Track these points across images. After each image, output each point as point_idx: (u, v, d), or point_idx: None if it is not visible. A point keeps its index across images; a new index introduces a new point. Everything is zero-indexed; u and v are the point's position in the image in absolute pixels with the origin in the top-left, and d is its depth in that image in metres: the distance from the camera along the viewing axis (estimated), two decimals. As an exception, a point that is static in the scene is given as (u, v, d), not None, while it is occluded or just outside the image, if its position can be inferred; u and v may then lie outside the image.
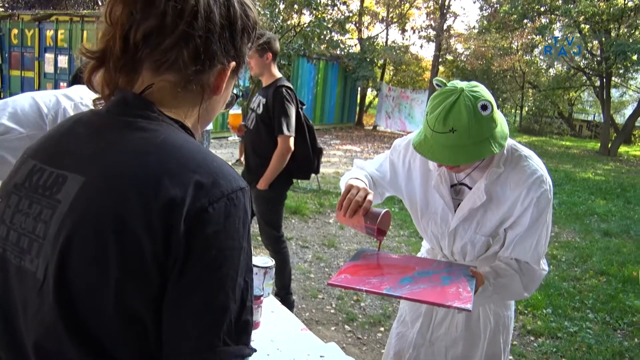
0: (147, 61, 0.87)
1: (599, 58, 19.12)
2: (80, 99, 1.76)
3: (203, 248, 0.80)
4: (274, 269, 2.11)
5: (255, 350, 0.87)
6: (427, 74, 26.22)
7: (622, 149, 21.01)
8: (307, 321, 4.03)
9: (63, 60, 11.84)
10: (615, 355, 3.91)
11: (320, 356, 1.78)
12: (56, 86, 11.79)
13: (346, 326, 4.04)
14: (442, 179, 1.78)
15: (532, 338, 4.08)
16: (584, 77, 22.36)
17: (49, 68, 12.19)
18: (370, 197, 1.64)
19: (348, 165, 12.10)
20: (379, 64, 23.76)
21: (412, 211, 1.93)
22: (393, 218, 6.91)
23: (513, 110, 29.21)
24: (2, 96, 12.50)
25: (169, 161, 0.82)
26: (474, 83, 1.61)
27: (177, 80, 0.90)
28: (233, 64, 0.94)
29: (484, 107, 1.54)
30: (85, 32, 11.31)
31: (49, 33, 12.05)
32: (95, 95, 1.79)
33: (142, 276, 0.79)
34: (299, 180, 9.32)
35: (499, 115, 1.63)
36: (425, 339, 1.94)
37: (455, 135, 1.53)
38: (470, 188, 1.76)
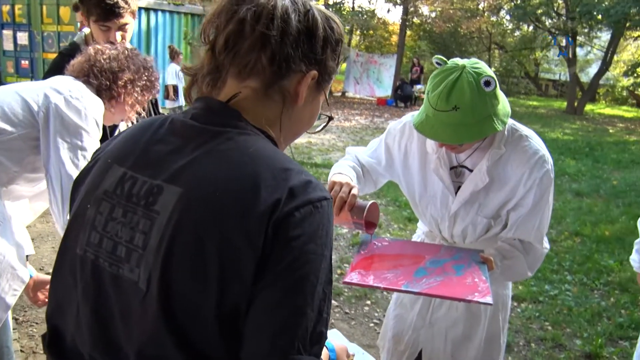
0: (231, 68, 0.91)
1: (564, 18, 19.26)
2: (69, 91, 1.67)
3: (286, 248, 0.82)
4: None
5: None
6: (395, 38, 26.07)
7: (588, 107, 21.41)
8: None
9: (23, 37, 11.28)
10: (595, 316, 4.02)
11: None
12: (17, 64, 11.33)
13: (333, 301, 4.04)
14: (441, 161, 1.75)
15: (516, 304, 4.15)
16: (550, 37, 22.53)
17: (7, 45, 11.62)
18: (354, 191, 1.58)
19: (320, 134, 12.03)
20: (346, 29, 23.49)
21: (409, 195, 1.90)
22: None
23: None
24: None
25: (263, 171, 0.85)
26: (474, 60, 1.58)
27: (259, 86, 0.92)
28: (314, 73, 0.94)
29: (487, 84, 1.51)
30: (44, 7, 10.79)
31: (5, 8, 11.46)
32: (83, 87, 1.69)
33: (240, 282, 0.81)
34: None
35: (500, 93, 1.60)
36: (425, 321, 1.94)
37: (458, 113, 1.50)
38: (470, 170, 1.73)
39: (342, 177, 1.66)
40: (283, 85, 0.93)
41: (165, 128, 0.95)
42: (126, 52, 1.85)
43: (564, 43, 20.30)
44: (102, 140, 1.68)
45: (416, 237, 2.06)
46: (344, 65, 23.58)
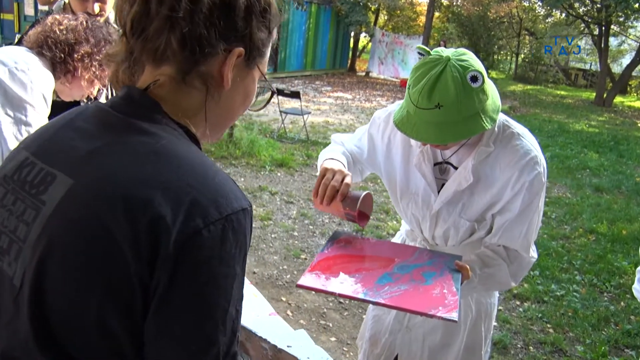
0: (144, 53, 0.81)
1: (598, 5, 18.63)
2: (15, 63, 1.56)
3: (193, 274, 0.72)
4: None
5: None
6: (422, 19, 25.57)
7: (618, 99, 20.82)
8: (287, 284, 3.92)
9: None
10: (601, 321, 3.85)
11: (288, 346, 1.64)
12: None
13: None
14: (424, 156, 1.60)
15: (518, 303, 4.00)
16: (582, 25, 21.87)
17: (29, 10, 11.59)
18: (348, 179, 1.46)
19: (338, 114, 11.87)
20: (372, 9, 23.14)
21: (390, 191, 1.75)
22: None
23: (508, 58, 28.73)
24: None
25: (164, 172, 0.75)
26: (461, 50, 1.42)
27: (175, 73, 0.82)
28: (239, 50, 0.83)
29: (474, 79, 1.35)
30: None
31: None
32: (32, 59, 1.58)
33: (125, 295, 0.72)
34: (287, 130, 9.18)
35: (490, 86, 1.44)
36: (402, 325, 1.81)
37: (442, 111, 1.35)
38: (456, 168, 1.58)
39: (335, 163, 1.54)
40: (202, 70, 0.82)
41: (83, 115, 0.86)
42: (86, 23, 1.70)
43: (596, 32, 19.67)
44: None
45: (398, 236, 1.92)
46: (369, 45, 23.29)
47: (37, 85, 1.56)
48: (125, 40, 0.82)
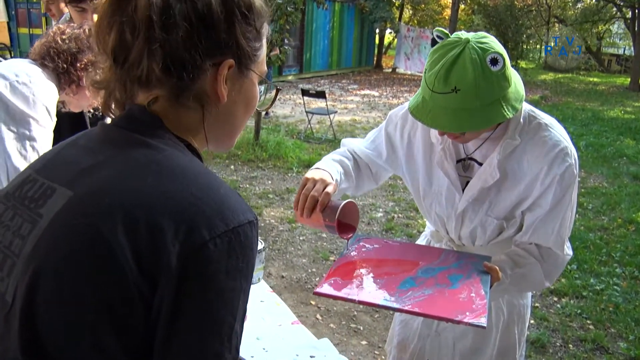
0: (130, 81, 0.78)
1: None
2: (16, 76, 1.53)
3: (199, 289, 0.70)
4: (263, 252, 1.90)
5: None
6: (447, 12, 25.26)
7: (654, 83, 20.14)
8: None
9: (70, 16, 11.53)
10: (645, 315, 3.69)
11: (311, 356, 1.59)
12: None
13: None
14: (446, 153, 1.52)
15: (556, 299, 3.86)
16: (614, 9, 21.26)
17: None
18: (329, 188, 1.36)
19: (365, 112, 11.78)
20: (396, 4, 22.97)
21: (413, 191, 1.68)
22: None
23: (538, 46, 28.12)
24: (12, 55, 12.30)
25: (167, 182, 0.72)
26: (482, 33, 1.33)
27: (167, 94, 0.79)
28: (229, 62, 0.79)
29: (494, 61, 1.26)
30: (93, -16, 10.90)
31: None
32: (34, 71, 1.56)
33: (123, 311, 0.69)
34: (314, 131, 9.13)
35: (512, 73, 1.35)
36: (431, 330, 1.73)
37: (458, 95, 1.27)
38: (480, 164, 1.50)
39: (318, 172, 1.44)
40: (194, 90, 0.79)
41: (89, 135, 0.84)
42: (89, 31, 1.67)
43: (629, 15, 19.09)
44: (60, 130, 1.53)
45: (422, 237, 1.84)
46: (395, 41, 23.11)
47: (40, 98, 1.54)
48: (110, 67, 0.80)
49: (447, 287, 1.31)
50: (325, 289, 1.30)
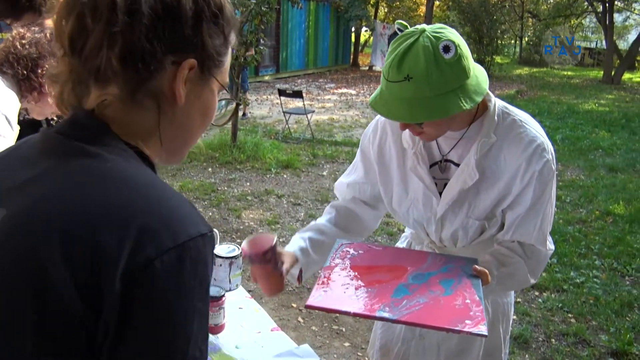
0: (86, 73, 0.73)
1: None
2: None
3: (146, 312, 0.63)
4: (240, 258, 1.85)
5: None
6: (423, 9, 25.38)
7: (626, 76, 20.50)
8: (297, 289, 3.81)
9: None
10: (624, 306, 3.71)
11: (291, 364, 1.54)
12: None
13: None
14: (419, 158, 1.49)
15: (537, 293, 3.87)
16: (586, 3, 21.56)
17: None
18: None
19: (343, 110, 11.75)
20: (372, 2, 23.00)
21: (387, 201, 1.63)
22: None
23: (513, 42, 28.40)
24: None
25: (109, 195, 0.66)
26: (441, 25, 1.31)
27: (122, 92, 0.73)
28: (191, 62, 0.74)
29: (446, 49, 1.24)
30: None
31: None
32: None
33: (65, 344, 0.63)
34: (292, 131, 9.08)
35: (474, 67, 1.33)
36: (415, 333, 1.70)
37: (411, 84, 1.25)
38: (457, 165, 1.47)
39: None
40: (151, 88, 0.74)
41: (30, 142, 0.78)
42: (51, 35, 1.60)
43: (600, 9, 19.38)
44: None
45: (403, 239, 1.80)
46: (371, 39, 23.15)
47: None
48: (66, 59, 0.74)
49: (441, 294, 1.28)
50: (317, 301, 1.26)
